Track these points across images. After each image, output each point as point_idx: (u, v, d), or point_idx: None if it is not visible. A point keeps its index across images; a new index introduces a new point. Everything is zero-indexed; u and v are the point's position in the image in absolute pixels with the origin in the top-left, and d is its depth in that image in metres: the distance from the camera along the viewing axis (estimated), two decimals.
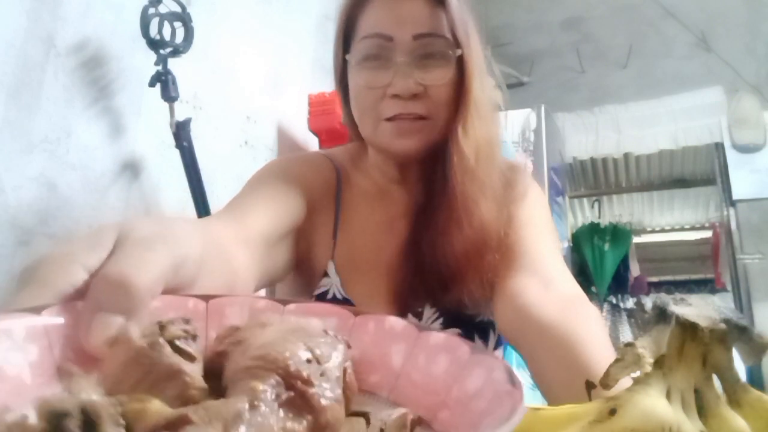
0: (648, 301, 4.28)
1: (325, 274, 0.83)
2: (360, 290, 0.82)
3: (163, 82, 1.34)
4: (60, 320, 0.27)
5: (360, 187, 0.89)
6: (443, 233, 0.76)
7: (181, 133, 1.39)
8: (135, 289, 0.27)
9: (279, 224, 0.72)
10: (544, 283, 0.69)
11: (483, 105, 0.79)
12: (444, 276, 0.77)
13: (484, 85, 0.80)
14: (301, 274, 0.86)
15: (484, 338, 0.83)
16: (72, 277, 0.28)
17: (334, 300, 0.83)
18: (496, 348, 0.84)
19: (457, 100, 0.77)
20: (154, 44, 1.33)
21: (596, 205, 4.19)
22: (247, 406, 0.21)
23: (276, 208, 0.73)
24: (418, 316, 0.81)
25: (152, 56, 1.34)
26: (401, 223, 0.85)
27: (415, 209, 0.84)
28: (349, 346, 0.28)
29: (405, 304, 0.80)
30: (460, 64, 0.77)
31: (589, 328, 0.59)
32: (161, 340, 0.24)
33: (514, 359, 1.29)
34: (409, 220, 0.84)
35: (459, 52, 0.77)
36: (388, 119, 0.77)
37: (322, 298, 0.83)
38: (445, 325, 0.81)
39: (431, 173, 0.81)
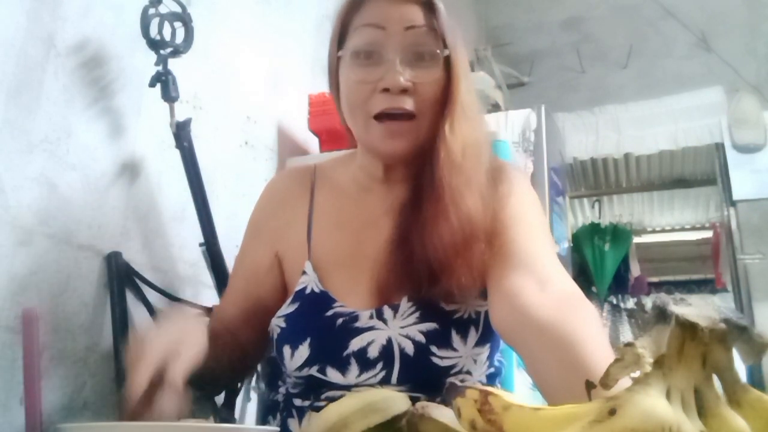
0: (648, 301, 4.28)
1: (304, 273, 0.87)
2: (339, 283, 0.86)
3: (163, 82, 1.34)
4: None
5: (341, 188, 0.94)
6: (431, 225, 0.79)
7: (181, 133, 1.38)
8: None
9: (256, 291, 0.92)
10: (540, 282, 0.70)
11: (470, 107, 0.83)
12: (433, 267, 0.78)
13: (470, 89, 0.85)
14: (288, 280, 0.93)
15: (463, 335, 0.81)
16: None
17: (311, 294, 0.85)
18: (476, 346, 0.82)
19: (443, 99, 0.81)
20: (154, 44, 1.32)
21: (596, 205, 4.18)
22: None
23: (248, 279, 0.94)
24: (395, 308, 0.82)
25: (152, 56, 1.34)
26: (385, 220, 0.87)
27: (400, 207, 0.87)
28: None
29: (385, 296, 0.83)
30: (448, 66, 0.82)
31: (587, 327, 0.60)
32: None
33: (514, 359, 1.29)
34: (394, 216, 0.87)
35: (446, 52, 0.81)
36: (378, 118, 0.80)
37: (300, 294, 0.86)
38: (421, 319, 0.81)
39: (419, 172, 0.84)
